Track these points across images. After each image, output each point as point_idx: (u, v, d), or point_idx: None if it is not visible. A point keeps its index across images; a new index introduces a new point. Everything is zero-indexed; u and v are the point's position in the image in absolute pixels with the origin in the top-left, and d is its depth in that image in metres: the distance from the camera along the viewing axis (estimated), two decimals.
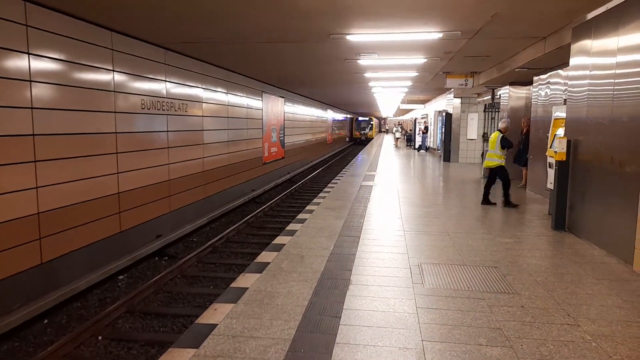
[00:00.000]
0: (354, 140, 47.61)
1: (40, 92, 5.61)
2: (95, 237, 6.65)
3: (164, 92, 8.58)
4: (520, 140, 10.97)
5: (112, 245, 7.00)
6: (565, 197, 6.50)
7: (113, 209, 7.09)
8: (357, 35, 7.30)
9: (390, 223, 6.88)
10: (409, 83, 15.24)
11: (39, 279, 5.60)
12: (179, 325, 5.41)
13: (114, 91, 7.06)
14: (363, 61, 10.04)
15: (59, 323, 5.45)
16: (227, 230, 9.22)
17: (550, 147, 7.56)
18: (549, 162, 7.44)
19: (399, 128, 35.88)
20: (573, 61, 6.51)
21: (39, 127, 5.58)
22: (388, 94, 20.91)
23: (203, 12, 6.06)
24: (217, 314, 3.61)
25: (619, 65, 5.27)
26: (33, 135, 5.50)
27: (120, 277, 6.92)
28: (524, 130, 10.85)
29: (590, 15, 5.99)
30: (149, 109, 8.05)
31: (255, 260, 5.02)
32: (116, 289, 6.55)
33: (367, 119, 47.38)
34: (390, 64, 10.57)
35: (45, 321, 5.42)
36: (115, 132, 7.09)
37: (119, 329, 5.31)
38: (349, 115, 45.36)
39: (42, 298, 5.42)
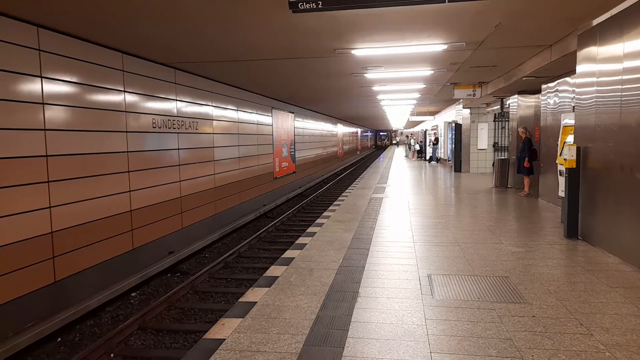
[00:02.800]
0: (377, 147, 71.15)
1: (53, 114, 5.76)
2: (107, 254, 6.74)
3: (175, 110, 8.74)
4: (519, 149, 10.98)
5: (125, 263, 7.08)
6: (576, 205, 6.42)
7: (125, 226, 7.18)
8: (362, 50, 7.38)
9: (400, 234, 6.86)
10: (417, 95, 15.27)
11: (52, 297, 5.68)
12: (190, 341, 5.43)
13: (125, 111, 7.21)
14: (369, 75, 10.11)
15: (71, 341, 5.50)
16: (239, 246, 9.26)
17: (560, 155, 7.50)
18: (559, 170, 7.38)
19: (416, 138, 35.69)
20: (580, 68, 6.49)
21: (52, 148, 5.72)
22: (397, 107, 20.96)
23: (208, 35, 6.20)
24: (224, 328, 3.62)
25: (626, 71, 5.24)
26: (46, 156, 5.63)
27: (133, 294, 6.97)
28: (523, 138, 10.86)
29: (595, 22, 5.98)
30: (160, 127, 8.19)
31: (264, 275, 5.03)
32: (128, 306, 6.60)
33: (385, 132, 71.21)
34: (397, 76, 10.63)
35: (59, 339, 5.48)
36: (127, 152, 7.22)
37: (131, 346, 5.35)
38: (360, 130, 50.88)
39: (55, 316, 5.48)
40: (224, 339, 3.42)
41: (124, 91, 7.20)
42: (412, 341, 3.33)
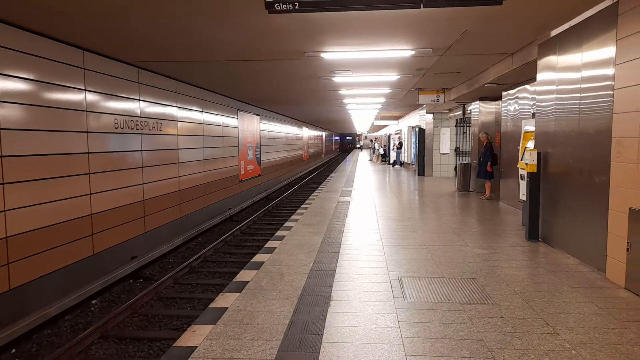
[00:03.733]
0: (342, 150, 74.58)
1: (8, 112, 5.45)
2: (66, 260, 6.43)
3: (138, 111, 8.47)
4: (481, 153, 11.32)
5: (85, 269, 6.78)
6: (537, 208, 6.66)
7: (85, 231, 6.88)
8: (331, 53, 7.40)
9: (368, 238, 6.90)
10: (383, 100, 15.48)
11: (7, 306, 5.36)
12: (155, 349, 5.25)
13: (86, 111, 6.93)
14: (337, 78, 10.16)
15: (28, 352, 5.21)
16: (204, 250, 9.06)
17: (521, 160, 7.77)
18: (520, 174, 7.64)
19: (381, 143, 36.33)
20: (540, 76, 6.75)
21: (7, 148, 5.41)
22: (362, 111, 21.17)
23: (175, 33, 6.05)
24: (195, 336, 3.52)
25: (584, 79, 5.48)
26: (0, 157, 5.32)
27: (94, 301, 6.69)
28: (484, 144, 11.20)
29: (554, 33, 6.24)
30: (122, 128, 7.92)
31: (234, 279, 4.93)
32: (89, 313, 6.33)
33: (350, 138, 76.06)
34: (364, 81, 10.73)
35: (13, 350, 5.17)
36: (88, 152, 6.93)
37: (92, 356, 5.11)
38: (325, 134, 51.41)
39: (10, 326, 5.17)
40: (196, 347, 3.32)
41: (85, 90, 6.91)
42: (386, 344, 3.34)
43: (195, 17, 5.38)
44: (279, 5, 3.14)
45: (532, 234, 6.70)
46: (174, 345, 3.41)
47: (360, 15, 5.30)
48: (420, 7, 3.14)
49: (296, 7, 3.14)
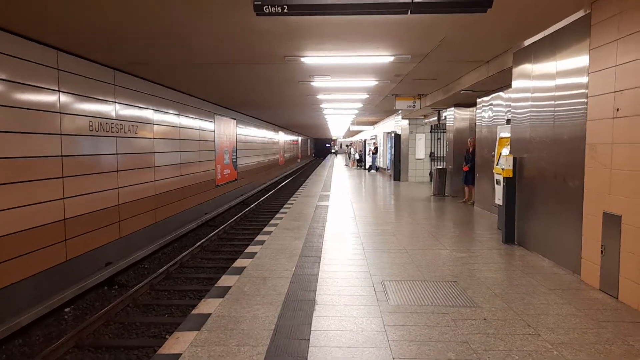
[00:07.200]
0: (318, 155, 77.30)
1: None
2: (37, 268, 6.21)
3: (113, 113, 8.28)
4: (467, 159, 11.47)
5: (57, 276, 6.56)
6: (513, 212, 6.81)
7: (58, 236, 6.67)
8: (311, 58, 7.41)
9: (349, 242, 6.92)
10: (360, 105, 15.60)
11: None
12: (133, 357, 5.11)
13: (60, 112, 6.73)
14: (316, 83, 10.18)
15: None
16: (181, 255, 8.90)
17: (497, 165, 7.94)
18: (496, 179, 7.81)
19: (356, 148, 36.71)
20: (515, 84, 6.92)
21: None
22: (339, 116, 21.28)
23: (151, 36, 5.96)
24: (180, 343, 3.44)
25: (558, 87, 5.66)
26: None
27: (67, 309, 6.47)
28: (470, 149, 11.33)
29: (528, 42, 6.42)
30: (97, 131, 7.72)
31: (216, 285, 4.86)
32: (62, 322, 6.11)
33: (328, 145, 78.07)
34: (343, 86, 10.80)
35: None
36: (61, 156, 6.73)
37: None
38: (300, 139, 51.53)
39: None
40: (181, 354, 3.25)
41: (59, 91, 6.72)
42: (373, 348, 3.35)
43: (184, 20, 5.30)
44: (268, 7, 3.12)
45: (509, 238, 6.85)
46: (158, 352, 3.33)
47: (343, 20, 5.33)
48: (407, 13, 3.18)
49: (285, 10, 3.14)
